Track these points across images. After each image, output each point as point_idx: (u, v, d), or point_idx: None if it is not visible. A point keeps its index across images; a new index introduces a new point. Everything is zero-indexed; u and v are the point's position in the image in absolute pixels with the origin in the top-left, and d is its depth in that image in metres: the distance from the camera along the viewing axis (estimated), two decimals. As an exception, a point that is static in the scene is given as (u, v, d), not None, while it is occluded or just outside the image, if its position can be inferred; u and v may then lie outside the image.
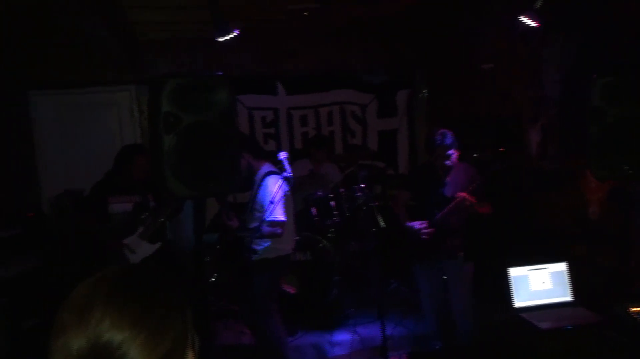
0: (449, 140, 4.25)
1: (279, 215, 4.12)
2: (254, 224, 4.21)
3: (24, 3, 4.86)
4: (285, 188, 4.15)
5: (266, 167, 4.43)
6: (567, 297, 4.15)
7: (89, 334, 0.96)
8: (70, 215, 5.22)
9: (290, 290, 5.56)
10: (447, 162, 4.30)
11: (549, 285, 4.15)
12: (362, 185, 5.05)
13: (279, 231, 4.19)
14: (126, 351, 0.96)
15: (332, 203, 5.84)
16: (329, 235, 6.11)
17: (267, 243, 4.32)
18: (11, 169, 5.52)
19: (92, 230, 4.86)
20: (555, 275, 4.18)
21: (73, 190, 5.48)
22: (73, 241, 5.19)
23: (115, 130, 6.68)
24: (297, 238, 5.41)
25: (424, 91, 7.56)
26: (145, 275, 1.09)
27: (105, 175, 4.91)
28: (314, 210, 5.85)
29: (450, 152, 4.27)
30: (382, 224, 5.80)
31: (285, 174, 3.96)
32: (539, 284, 4.14)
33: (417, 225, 4.38)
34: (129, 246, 4.70)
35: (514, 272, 4.13)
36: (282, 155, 4.01)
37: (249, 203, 4.49)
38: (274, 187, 4.17)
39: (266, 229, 4.13)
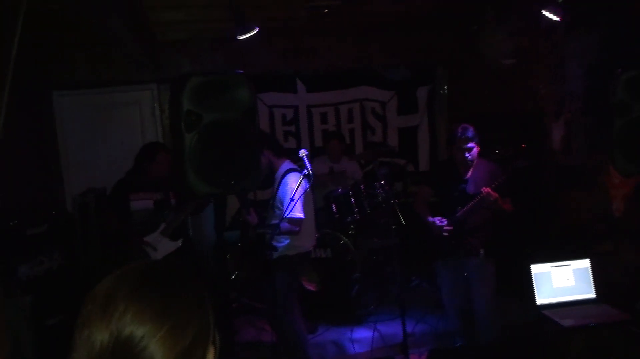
0: (470, 133, 4.24)
1: (297, 212, 4.13)
2: (275, 221, 4.22)
3: (47, 4, 4.92)
4: (306, 185, 4.15)
5: (286, 164, 4.43)
6: (591, 294, 4.10)
7: (112, 328, 0.97)
8: (93, 214, 5.28)
9: (311, 287, 5.57)
10: (468, 156, 4.26)
11: (571, 282, 4.11)
12: (383, 182, 5.03)
13: (297, 228, 4.19)
14: (146, 345, 0.97)
15: (353, 200, 5.84)
16: (350, 232, 6.11)
17: (287, 241, 4.33)
18: (36, 168, 5.59)
19: (115, 228, 4.91)
20: (578, 271, 4.14)
21: (96, 188, 5.54)
22: (96, 239, 5.25)
23: (137, 129, 6.75)
24: (317, 235, 5.42)
25: (445, 87, 7.51)
26: (169, 270, 1.10)
27: (127, 173, 4.95)
28: (334, 207, 5.85)
29: (471, 144, 4.24)
30: (403, 221, 5.79)
31: (305, 171, 3.96)
32: (561, 281, 4.10)
33: (437, 222, 4.37)
34: (150, 243, 4.74)
35: (536, 269, 4.10)
36: (303, 153, 4.01)
37: (269, 200, 4.50)
38: (294, 184, 4.18)
39: (285, 226, 4.13)
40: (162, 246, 4.79)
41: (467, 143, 4.23)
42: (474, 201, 4.22)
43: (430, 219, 4.40)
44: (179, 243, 4.88)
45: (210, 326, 1.08)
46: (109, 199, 5.10)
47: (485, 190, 4.13)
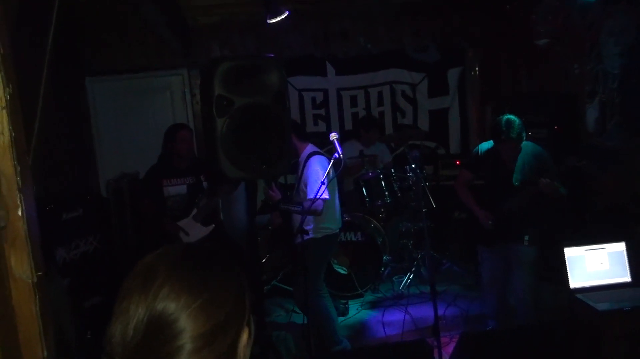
0: (514, 132, 3.94)
1: (322, 194, 4.12)
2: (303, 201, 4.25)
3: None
4: (327, 166, 4.13)
5: (310, 148, 4.47)
6: (626, 278, 4.04)
7: (149, 301, 0.99)
8: (126, 198, 5.37)
9: (342, 270, 5.60)
10: (513, 153, 4.13)
11: (606, 266, 4.05)
12: (413, 165, 5.01)
13: (320, 207, 4.19)
14: (178, 317, 0.99)
15: (383, 183, 5.83)
16: (380, 215, 6.11)
17: (313, 224, 4.35)
18: (70, 153, 5.70)
19: (148, 213, 5.00)
20: (613, 255, 4.07)
21: (129, 173, 5.63)
22: (130, 223, 5.34)
23: (168, 114, 6.81)
24: (347, 218, 5.44)
25: (476, 69, 7.41)
26: (210, 250, 1.12)
27: (159, 158, 5.03)
28: (364, 191, 5.85)
29: (517, 144, 4.03)
30: (433, 204, 5.77)
31: (336, 155, 3.96)
32: (596, 264, 4.05)
33: (480, 217, 4.31)
34: (183, 228, 4.81)
35: (570, 253, 4.05)
36: (333, 136, 4.01)
37: (295, 184, 4.54)
38: (318, 167, 4.21)
39: (307, 204, 4.13)
40: (194, 231, 4.85)
41: (513, 144, 4.00)
42: (523, 192, 4.11)
43: (478, 211, 4.32)
44: (211, 227, 4.95)
45: (245, 308, 1.09)
46: (142, 184, 5.18)
47: (542, 183, 3.98)
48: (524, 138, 4.03)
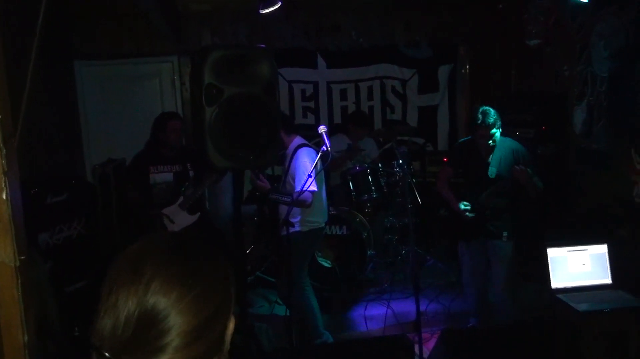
0: (491, 119, 4.13)
1: (310, 185, 4.12)
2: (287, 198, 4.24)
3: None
4: (315, 158, 4.13)
5: (297, 140, 4.45)
6: (607, 280, 4.09)
7: (139, 296, 0.98)
8: (112, 184, 5.34)
9: (326, 263, 5.61)
10: (490, 142, 4.23)
11: (588, 267, 4.09)
12: (400, 161, 5.02)
13: (309, 200, 4.18)
14: (168, 314, 0.98)
15: (370, 178, 5.84)
16: (366, 210, 6.12)
17: (298, 217, 4.35)
18: (57, 137, 5.64)
19: (134, 199, 4.98)
20: (595, 257, 4.12)
21: (115, 159, 5.59)
22: (115, 209, 5.31)
23: (156, 101, 6.77)
24: (333, 212, 5.44)
25: (467, 67, 7.43)
26: (196, 241, 1.12)
27: (146, 145, 5.00)
28: (351, 185, 5.85)
29: (493, 131, 4.18)
30: (419, 200, 5.80)
31: (324, 148, 3.96)
32: (578, 266, 4.09)
33: (457, 208, 4.39)
34: (168, 215, 4.79)
35: (553, 253, 4.08)
36: (322, 129, 4.00)
37: (282, 176, 4.53)
38: (306, 159, 4.20)
39: (296, 196, 4.13)
40: (179, 218, 4.84)
41: (489, 130, 4.15)
42: (507, 179, 4.20)
43: (456, 204, 4.41)
44: (197, 216, 4.93)
45: (232, 298, 1.09)
46: (128, 171, 5.15)
47: (515, 170, 4.10)
48: (499, 127, 4.19)
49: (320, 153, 3.91)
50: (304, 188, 3.99)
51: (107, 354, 0.96)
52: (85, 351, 1.01)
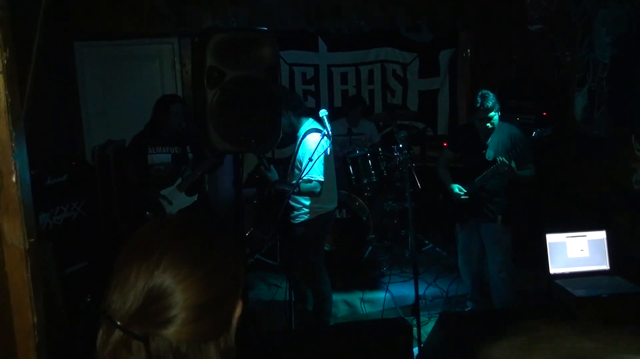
0: (490, 102, 4.18)
1: (316, 174, 4.08)
2: (295, 181, 4.23)
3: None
4: (326, 146, 4.10)
5: (308, 124, 4.35)
6: (605, 266, 4.12)
7: (147, 275, 1.01)
8: (112, 165, 5.34)
9: (325, 246, 5.62)
10: (488, 125, 4.26)
11: (586, 253, 4.12)
12: (401, 145, 5.02)
13: (318, 189, 4.13)
14: (174, 291, 1.00)
15: (370, 162, 5.84)
16: (365, 194, 6.13)
17: (307, 202, 4.30)
18: (56, 119, 5.63)
19: (132, 180, 4.98)
20: (593, 243, 4.14)
21: (115, 140, 5.59)
22: (114, 191, 5.32)
23: (156, 83, 6.75)
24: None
25: (468, 51, 7.40)
26: (206, 222, 1.14)
27: (145, 126, 5.00)
28: (350, 169, 5.85)
29: (491, 114, 4.21)
30: (419, 185, 5.81)
31: (325, 132, 3.95)
32: (576, 251, 4.12)
33: (456, 189, 4.43)
34: (166, 197, 4.81)
35: (551, 238, 4.11)
36: (323, 113, 4.00)
37: (290, 159, 4.48)
38: (314, 145, 4.10)
39: (304, 186, 4.11)
40: (177, 200, 4.85)
41: (487, 113, 4.20)
42: (488, 170, 4.25)
43: (451, 186, 4.47)
44: (195, 198, 4.95)
45: (240, 281, 1.11)
46: (127, 151, 5.15)
47: (499, 159, 4.16)
48: (498, 110, 4.26)
49: (321, 138, 3.90)
50: (304, 175, 3.97)
51: (118, 323, 0.99)
52: (95, 321, 1.05)
